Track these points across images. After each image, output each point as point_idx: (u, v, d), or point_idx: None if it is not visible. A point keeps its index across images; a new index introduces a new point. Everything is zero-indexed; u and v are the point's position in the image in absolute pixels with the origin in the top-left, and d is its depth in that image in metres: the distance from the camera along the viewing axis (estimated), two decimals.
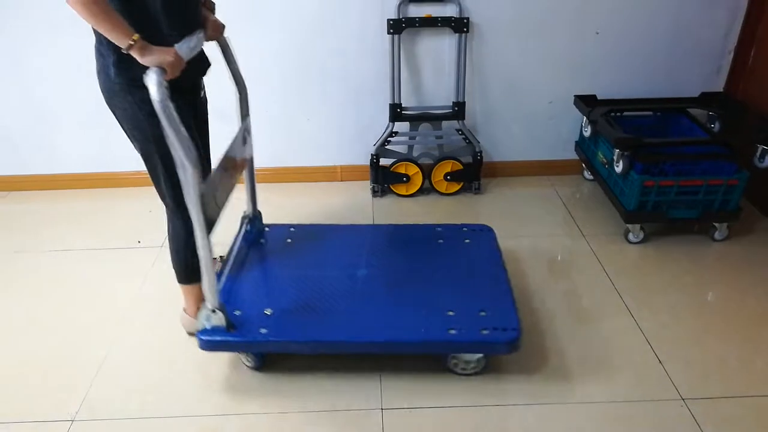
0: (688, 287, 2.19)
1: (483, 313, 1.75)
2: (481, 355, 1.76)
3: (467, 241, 2.11)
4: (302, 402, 1.75)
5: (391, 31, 2.58)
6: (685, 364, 1.85)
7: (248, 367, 1.85)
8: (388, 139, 2.77)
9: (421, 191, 2.85)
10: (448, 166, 2.80)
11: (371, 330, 1.72)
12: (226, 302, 1.74)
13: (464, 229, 2.17)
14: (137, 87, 1.51)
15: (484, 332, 1.69)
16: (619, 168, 2.35)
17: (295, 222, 2.28)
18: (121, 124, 1.66)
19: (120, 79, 1.54)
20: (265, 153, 2.92)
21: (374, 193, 2.85)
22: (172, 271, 1.88)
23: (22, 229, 2.65)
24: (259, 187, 2.93)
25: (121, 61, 1.50)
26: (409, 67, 2.73)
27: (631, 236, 2.44)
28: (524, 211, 2.71)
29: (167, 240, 1.85)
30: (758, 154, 2.35)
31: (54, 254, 2.46)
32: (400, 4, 2.57)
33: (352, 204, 2.79)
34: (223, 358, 1.91)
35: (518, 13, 2.62)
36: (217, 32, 1.73)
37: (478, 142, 2.78)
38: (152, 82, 1.37)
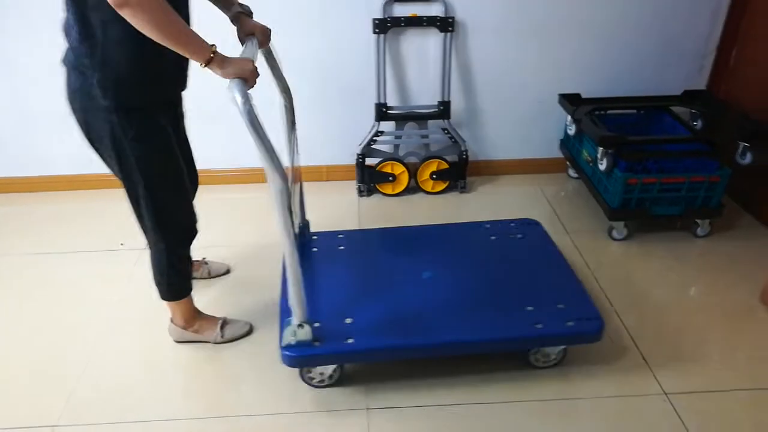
0: (671, 283, 2.22)
1: (561, 306, 1.75)
2: (562, 347, 1.78)
3: (519, 236, 2.11)
4: (289, 403, 1.74)
5: (377, 30, 2.57)
6: (668, 358, 1.87)
7: (315, 385, 1.78)
8: (374, 138, 2.77)
9: (408, 190, 2.85)
10: (434, 165, 2.80)
11: (458, 331, 1.69)
12: None
13: (512, 224, 2.17)
14: (124, 109, 1.45)
15: (569, 324, 1.70)
16: (603, 166, 2.37)
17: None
18: (96, 146, 1.56)
19: (106, 101, 1.43)
20: (249, 154, 2.91)
21: (360, 192, 2.85)
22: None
23: (4, 231, 2.63)
24: (242, 188, 2.94)
25: (108, 80, 1.41)
26: (395, 66, 2.73)
27: (614, 233, 2.46)
28: (510, 209, 2.72)
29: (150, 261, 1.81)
30: (740, 151, 2.37)
31: (37, 257, 2.44)
32: (385, 4, 2.57)
33: (338, 204, 2.79)
34: (207, 362, 1.90)
35: (504, 13, 2.63)
36: (267, 38, 1.66)
37: (464, 141, 2.78)
38: (239, 94, 1.29)
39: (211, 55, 1.34)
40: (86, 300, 2.18)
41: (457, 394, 1.76)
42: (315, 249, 2.07)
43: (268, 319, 2.03)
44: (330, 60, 2.69)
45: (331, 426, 1.68)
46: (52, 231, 2.62)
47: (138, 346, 1.97)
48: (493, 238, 2.10)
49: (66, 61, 1.48)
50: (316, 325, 1.67)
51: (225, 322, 1.97)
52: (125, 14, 1.24)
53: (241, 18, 1.62)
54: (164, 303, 1.89)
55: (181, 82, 1.64)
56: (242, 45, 1.55)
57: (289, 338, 1.62)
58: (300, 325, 1.60)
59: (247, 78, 1.36)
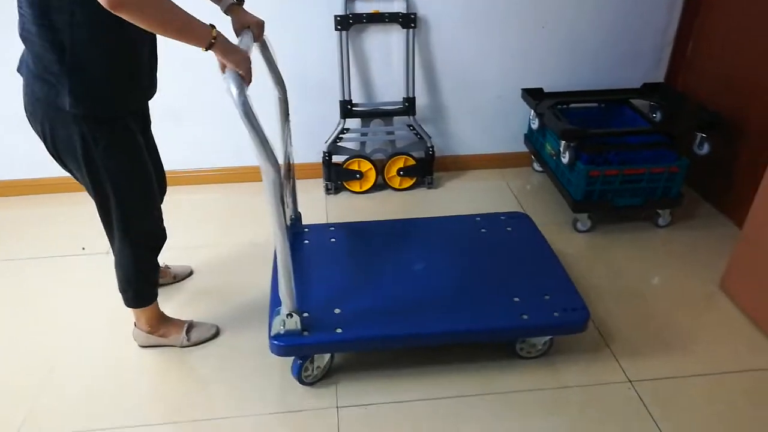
0: (634, 272, 2.26)
1: (547, 297, 1.78)
2: (548, 338, 1.81)
3: (509, 229, 2.12)
4: (258, 405, 1.73)
5: (339, 27, 2.56)
6: (632, 346, 1.91)
7: (307, 381, 1.77)
8: (340, 136, 2.76)
9: (375, 187, 2.85)
10: (400, 162, 2.81)
11: (446, 321, 1.71)
12: None
13: (502, 217, 2.19)
14: (94, 118, 1.41)
15: (556, 314, 1.72)
16: (565, 159, 2.40)
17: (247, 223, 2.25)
18: (61, 158, 1.50)
19: (77, 110, 1.37)
20: (214, 153, 2.88)
21: (327, 190, 2.84)
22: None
23: None
24: (208, 188, 2.90)
25: (80, 88, 1.36)
26: (359, 63, 2.72)
27: (579, 225, 2.50)
28: (476, 204, 2.73)
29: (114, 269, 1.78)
30: (697, 141, 2.43)
31: None
32: (346, 0, 2.55)
33: (305, 202, 2.74)
34: (174, 366, 1.87)
35: (465, 8, 2.64)
36: (261, 31, 1.62)
37: (430, 137, 2.79)
38: (234, 85, 1.28)
39: (213, 39, 1.31)
40: (48, 307, 2.13)
41: (429, 388, 1.76)
42: (306, 241, 2.07)
43: (234, 321, 2.01)
44: (292, 58, 2.65)
45: (300, 427, 1.67)
46: (11, 237, 2.54)
47: (102, 352, 1.92)
48: (483, 231, 2.12)
49: (25, 69, 1.41)
50: (305, 315, 1.68)
51: (191, 326, 1.94)
52: (122, 15, 1.20)
53: (235, 9, 1.58)
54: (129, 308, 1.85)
55: (153, 84, 1.61)
56: (237, 37, 1.52)
57: (278, 328, 1.63)
58: (289, 315, 1.60)
59: (244, 75, 1.34)
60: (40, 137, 1.49)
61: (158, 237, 1.77)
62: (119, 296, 1.82)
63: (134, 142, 1.54)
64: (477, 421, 1.67)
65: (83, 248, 2.42)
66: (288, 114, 1.89)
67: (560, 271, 1.91)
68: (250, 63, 1.38)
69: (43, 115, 1.42)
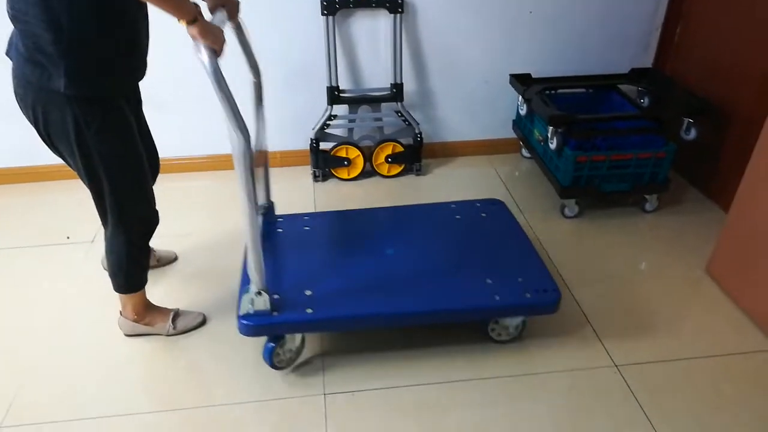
0: (621, 258, 2.27)
1: (520, 279, 1.78)
2: (521, 320, 1.83)
3: (483, 215, 2.13)
4: (245, 392, 1.72)
5: (325, 12, 2.53)
6: (618, 331, 1.92)
7: (279, 366, 1.76)
8: (327, 122, 2.73)
9: (363, 174, 2.83)
10: (389, 149, 2.79)
11: (417, 301, 1.72)
12: None
13: (477, 204, 2.19)
14: (87, 100, 1.40)
15: (527, 295, 1.73)
16: (553, 144, 2.39)
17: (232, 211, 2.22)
18: (53, 142, 1.49)
19: (71, 91, 1.36)
20: (200, 140, 2.85)
21: (315, 177, 2.82)
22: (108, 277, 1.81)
23: None
24: (193, 176, 2.88)
25: (75, 68, 1.34)
26: (345, 48, 2.70)
27: (566, 211, 2.50)
28: (465, 191, 2.73)
29: (104, 254, 1.77)
30: (684, 127, 2.43)
31: None
32: None
33: (293, 189, 2.75)
34: (160, 354, 1.86)
35: None
36: (236, 10, 1.62)
37: (418, 124, 2.77)
38: (207, 53, 1.30)
39: (198, 16, 1.31)
40: (33, 297, 2.11)
41: (416, 375, 1.77)
42: (280, 230, 2.06)
43: (221, 309, 2.00)
44: (278, 43, 2.63)
45: (288, 413, 1.67)
46: None
47: (87, 340, 1.91)
48: (457, 217, 2.12)
49: (15, 52, 1.39)
50: (276, 297, 1.67)
51: (177, 314, 1.93)
52: None
53: None
54: (114, 296, 1.84)
55: (145, 65, 1.60)
56: (211, 14, 1.50)
57: (247, 306, 1.61)
58: (258, 293, 1.58)
59: (217, 49, 1.34)
60: (31, 122, 1.47)
61: (151, 221, 1.76)
62: (104, 285, 1.81)
63: (127, 124, 1.54)
64: (464, 407, 1.67)
65: (68, 237, 2.39)
66: (261, 99, 1.86)
67: (533, 255, 1.91)
68: (223, 38, 1.37)
69: (35, 98, 1.41)
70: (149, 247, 1.83)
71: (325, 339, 1.89)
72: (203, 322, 1.96)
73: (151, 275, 2.09)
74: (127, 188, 1.61)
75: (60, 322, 1.99)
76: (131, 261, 1.76)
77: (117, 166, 1.54)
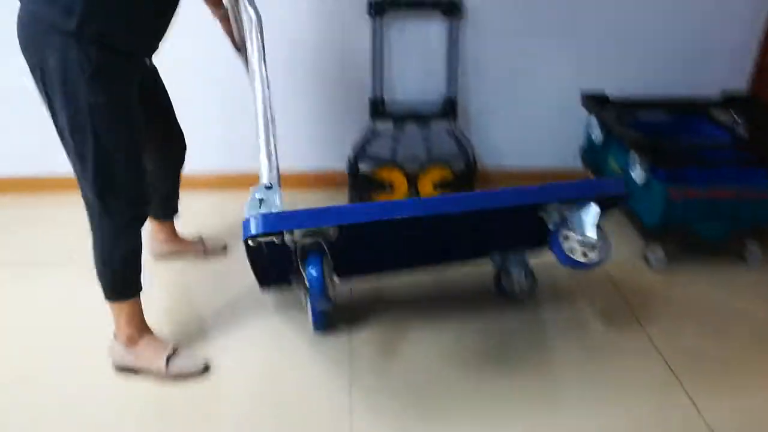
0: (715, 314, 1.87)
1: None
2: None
3: None
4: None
5: (372, 12, 2.29)
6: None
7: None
8: (368, 140, 2.44)
9: None
10: (436, 174, 2.46)
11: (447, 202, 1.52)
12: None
13: None
14: (92, 42, 1.33)
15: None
16: (637, 175, 2.01)
17: None
18: (44, 85, 1.38)
19: (79, 30, 1.31)
20: (220, 156, 2.58)
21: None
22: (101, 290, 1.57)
23: None
24: (211, 196, 2.59)
25: (92, 9, 1.30)
26: (393, 56, 2.45)
27: (651, 258, 2.09)
28: None
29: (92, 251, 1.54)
30: None
31: None
32: None
33: None
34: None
35: None
36: None
37: (472, 146, 2.45)
38: None
39: None
40: (24, 321, 1.85)
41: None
42: None
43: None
44: (317, 46, 2.40)
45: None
46: None
47: (76, 374, 1.63)
48: None
49: None
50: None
51: (175, 351, 1.60)
52: None
53: None
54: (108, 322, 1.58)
55: (160, 39, 1.56)
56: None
57: (254, 196, 1.44)
58: (268, 186, 1.46)
59: None
60: (30, 66, 1.38)
61: (138, 204, 1.54)
62: (96, 311, 1.56)
63: (127, 86, 1.46)
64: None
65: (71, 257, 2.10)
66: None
67: None
68: None
69: (35, 32, 1.35)
70: (141, 241, 1.58)
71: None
72: (205, 370, 1.61)
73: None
74: (116, 157, 1.44)
75: (49, 352, 1.71)
76: (116, 251, 1.53)
77: (107, 123, 1.40)
